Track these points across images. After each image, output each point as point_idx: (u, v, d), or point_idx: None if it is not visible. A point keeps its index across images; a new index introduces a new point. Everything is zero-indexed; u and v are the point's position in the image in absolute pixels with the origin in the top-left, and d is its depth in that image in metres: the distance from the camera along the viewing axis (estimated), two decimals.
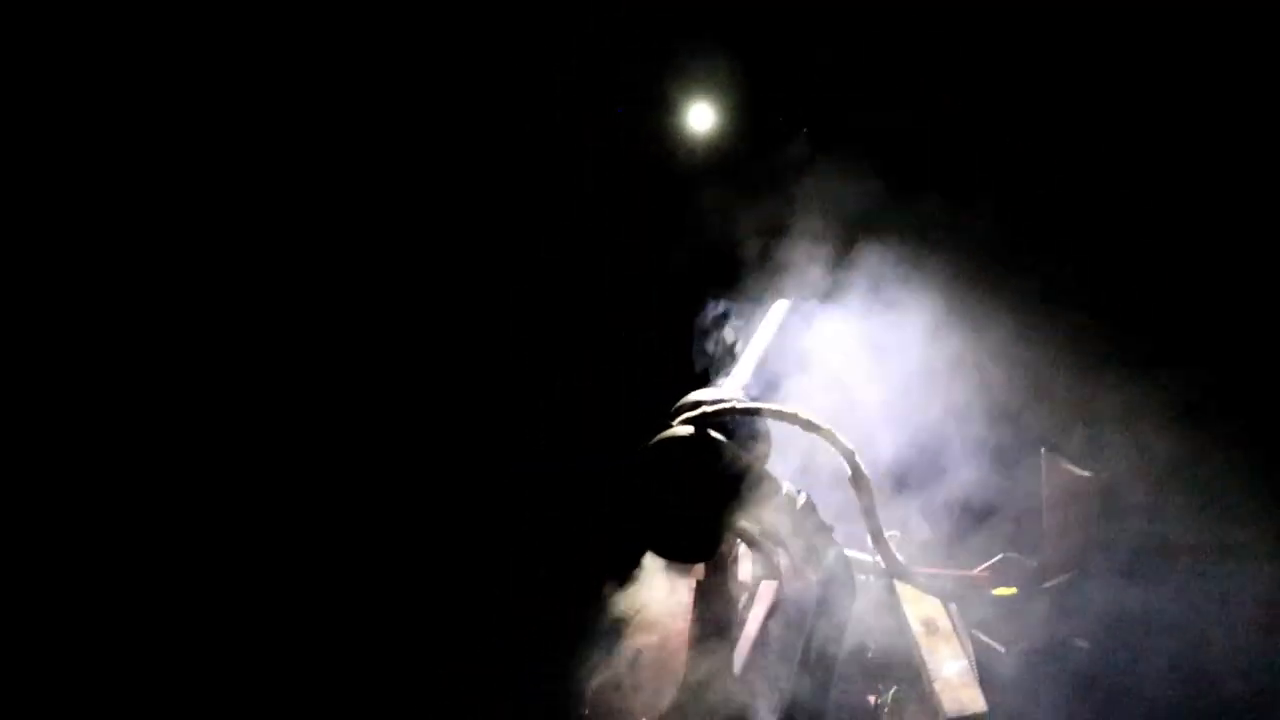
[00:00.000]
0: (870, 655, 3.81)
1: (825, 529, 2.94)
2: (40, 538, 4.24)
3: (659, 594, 3.32)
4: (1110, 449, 3.51)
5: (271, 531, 4.38)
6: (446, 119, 5.64)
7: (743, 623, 3.30)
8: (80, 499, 4.38)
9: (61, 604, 4.08)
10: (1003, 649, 3.36)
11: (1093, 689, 3.47)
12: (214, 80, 5.20)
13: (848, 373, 4.10)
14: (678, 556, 2.97)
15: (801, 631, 2.98)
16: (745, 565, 3.49)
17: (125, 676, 3.83)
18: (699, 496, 2.85)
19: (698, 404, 3.06)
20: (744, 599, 3.39)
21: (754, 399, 3.22)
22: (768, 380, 3.51)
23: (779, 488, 2.96)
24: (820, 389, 4.26)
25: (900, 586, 3.73)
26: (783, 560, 3.42)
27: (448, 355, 5.27)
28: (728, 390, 3.24)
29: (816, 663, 2.79)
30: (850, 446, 3.00)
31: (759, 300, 3.97)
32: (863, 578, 3.49)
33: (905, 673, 3.73)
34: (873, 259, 4.57)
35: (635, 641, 3.23)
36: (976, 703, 3.21)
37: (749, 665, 3.08)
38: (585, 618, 3.39)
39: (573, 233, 5.68)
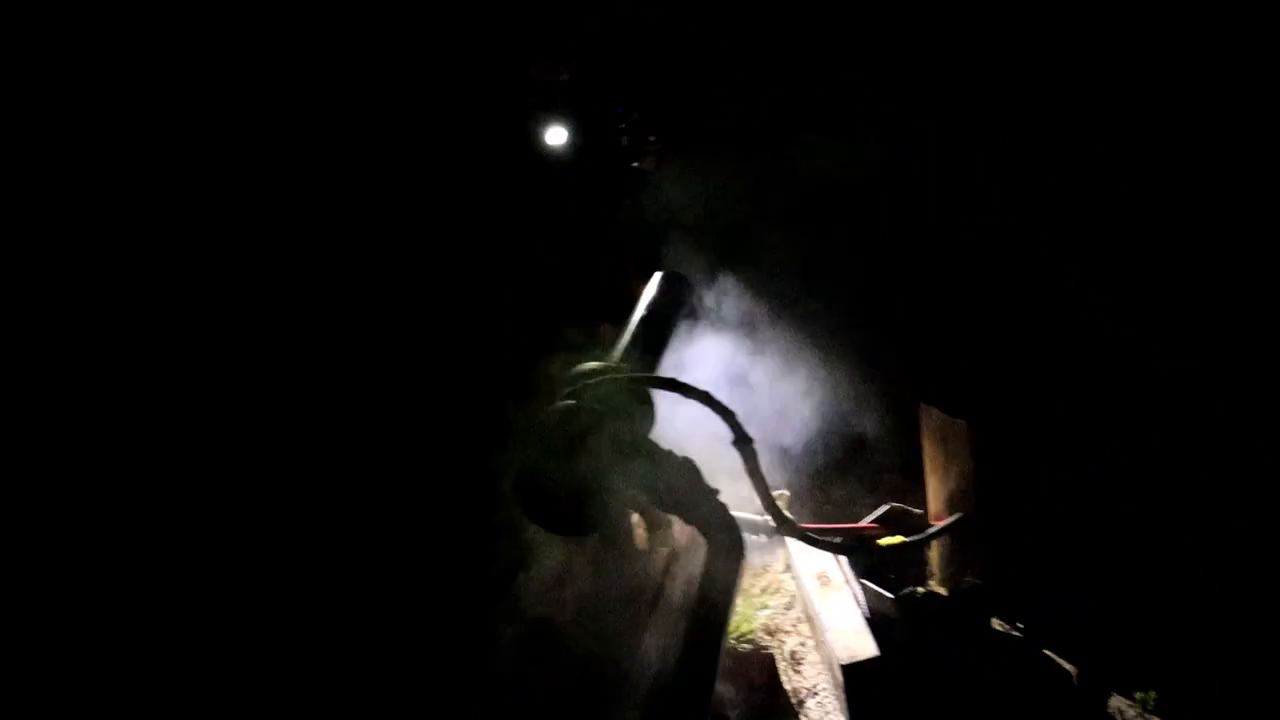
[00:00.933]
0: (768, 611, 3.91)
1: (709, 492, 2.98)
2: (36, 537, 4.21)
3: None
4: (978, 394, 3.63)
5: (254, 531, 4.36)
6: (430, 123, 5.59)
7: (642, 589, 3.33)
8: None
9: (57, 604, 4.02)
10: (891, 595, 3.46)
11: (984, 626, 3.59)
12: (210, 79, 5.09)
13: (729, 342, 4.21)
14: (565, 530, 2.98)
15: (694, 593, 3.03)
16: (641, 533, 3.51)
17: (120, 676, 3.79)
18: (581, 470, 2.86)
19: (578, 377, 3.07)
20: (641, 565, 3.41)
21: (636, 368, 3.25)
22: (654, 349, 3.53)
23: (662, 454, 2.99)
24: (707, 358, 4.36)
25: (793, 542, 3.82)
26: (675, 525, 3.47)
27: (443, 354, 5.25)
28: (610, 361, 3.26)
29: (707, 624, 2.83)
30: (729, 408, 3.05)
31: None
32: (753, 537, 3.56)
33: (801, 625, 3.84)
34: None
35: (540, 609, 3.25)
36: (868, 649, 3.32)
37: (648, 630, 3.11)
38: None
39: (568, 233, 5.68)
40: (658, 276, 3.85)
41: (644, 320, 3.57)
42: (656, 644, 3.03)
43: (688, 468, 3.01)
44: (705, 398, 3.03)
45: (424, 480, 4.35)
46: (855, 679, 3.29)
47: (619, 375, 3.03)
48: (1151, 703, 3.28)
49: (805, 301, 5.38)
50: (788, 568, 4.00)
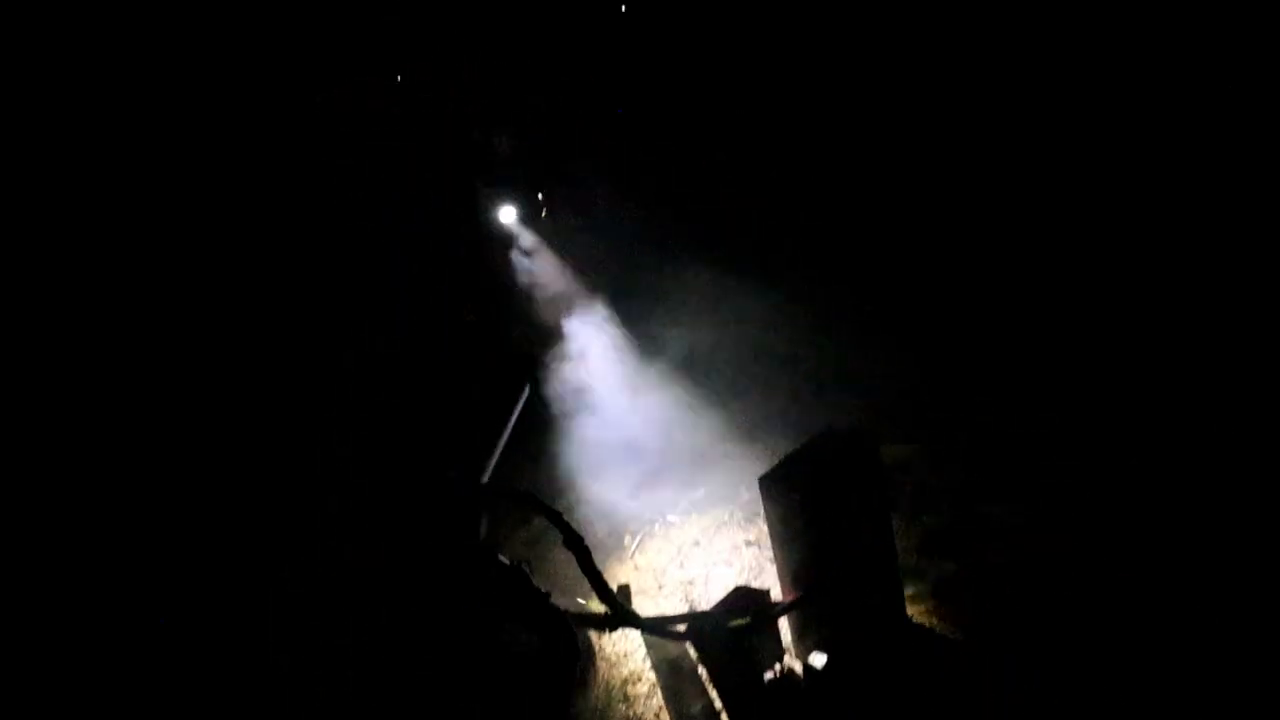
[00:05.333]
0: (626, 704, 3.86)
1: (538, 596, 2.98)
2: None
3: None
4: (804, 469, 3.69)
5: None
6: None
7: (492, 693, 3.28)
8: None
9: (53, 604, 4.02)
10: (740, 679, 3.47)
11: (834, 702, 3.60)
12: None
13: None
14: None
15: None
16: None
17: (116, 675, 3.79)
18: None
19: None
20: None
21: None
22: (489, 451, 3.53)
23: (490, 563, 2.99)
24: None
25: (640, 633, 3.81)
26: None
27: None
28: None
29: None
30: (554, 509, 3.07)
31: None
32: (593, 634, 3.54)
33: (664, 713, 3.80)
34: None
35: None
36: None
37: None
38: None
39: None
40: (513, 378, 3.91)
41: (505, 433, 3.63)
42: None
43: (517, 574, 3.00)
44: (529, 500, 3.05)
45: None
46: None
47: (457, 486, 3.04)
48: None
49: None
50: (647, 656, 3.96)
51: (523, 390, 3.81)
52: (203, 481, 4.56)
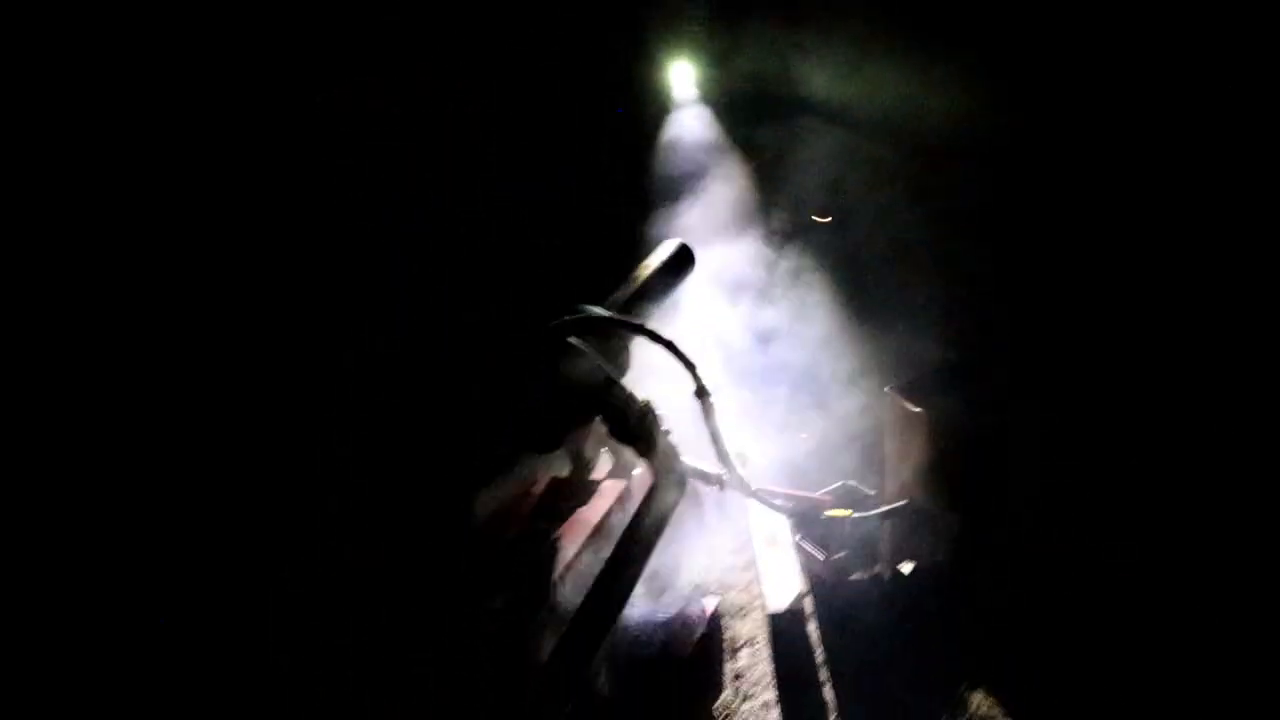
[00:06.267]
0: (725, 566, 4.17)
1: (662, 434, 3.24)
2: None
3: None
4: (940, 383, 3.80)
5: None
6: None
7: (590, 515, 3.60)
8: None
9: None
10: (821, 555, 3.69)
11: (906, 597, 3.77)
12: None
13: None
14: (524, 445, 3.29)
15: None
16: (604, 463, 3.80)
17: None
18: (546, 392, 3.18)
19: (566, 311, 3.38)
20: (594, 493, 3.68)
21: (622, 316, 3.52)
22: (648, 306, 3.77)
23: (623, 392, 3.28)
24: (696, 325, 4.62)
25: (753, 504, 4.07)
26: (631, 460, 3.74)
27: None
28: (606, 306, 3.54)
29: (630, 550, 3.08)
30: (692, 360, 3.31)
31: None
32: (711, 489, 3.82)
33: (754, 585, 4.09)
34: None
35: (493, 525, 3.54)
36: (799, 602, 3.58)
37: (582, 552, 3.39)
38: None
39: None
40: (672, 243, 4.11)
41: (648, 279, 3.83)
42: (592, 566, 3.28)
43: (643, 407, 3.29)
44: (670, 346, 3.29)
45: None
46: (783, 626, 3.54)
47: (590, 315, 3.29)
48: None
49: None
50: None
51: (689, 264, 3.99)
52: (202, 481, 4.66)
